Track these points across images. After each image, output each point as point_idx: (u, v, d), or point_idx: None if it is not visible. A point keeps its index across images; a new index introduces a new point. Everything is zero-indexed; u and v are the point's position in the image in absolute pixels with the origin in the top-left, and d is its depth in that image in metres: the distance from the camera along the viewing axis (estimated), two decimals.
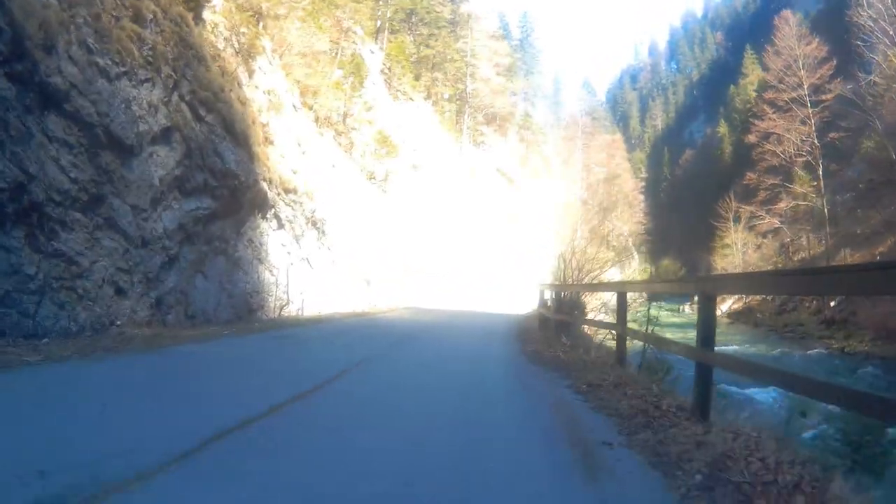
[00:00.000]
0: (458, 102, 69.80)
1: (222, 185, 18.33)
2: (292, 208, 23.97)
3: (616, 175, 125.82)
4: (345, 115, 32.01)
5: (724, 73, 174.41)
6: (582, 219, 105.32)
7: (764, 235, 60.94)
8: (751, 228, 63.17)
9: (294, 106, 28.31)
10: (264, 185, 21.56)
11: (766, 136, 57.15)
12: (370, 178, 32.87)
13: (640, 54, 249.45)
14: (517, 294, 52.00)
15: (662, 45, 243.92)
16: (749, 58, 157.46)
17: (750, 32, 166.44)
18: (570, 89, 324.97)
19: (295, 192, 24.05)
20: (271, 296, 21.94)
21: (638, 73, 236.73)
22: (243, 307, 19.99)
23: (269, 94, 24.77)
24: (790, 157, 54.36)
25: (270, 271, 22.06)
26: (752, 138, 59.96)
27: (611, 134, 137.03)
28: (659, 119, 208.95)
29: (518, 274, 64.22)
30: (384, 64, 44.45)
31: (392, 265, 32.57)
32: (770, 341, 40.90)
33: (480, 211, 56.86)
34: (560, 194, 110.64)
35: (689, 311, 59.36)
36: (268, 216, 22.38)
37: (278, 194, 22.87)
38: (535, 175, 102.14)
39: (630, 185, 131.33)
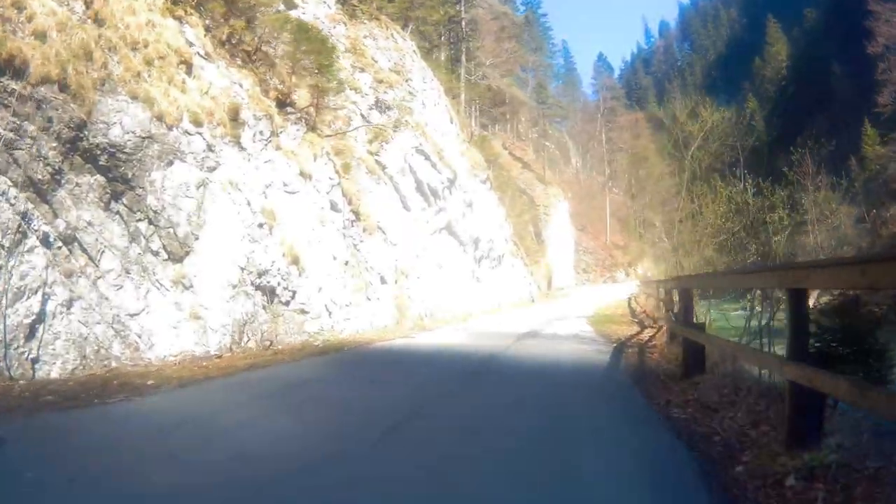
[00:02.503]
0: (450, 48, 53.75)
1: None
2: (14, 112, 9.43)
3: (644, 157, 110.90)
4: None
5: (742, 50, 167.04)
6: (609, 207, 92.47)
7: None
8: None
9: None
10: None
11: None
12: (282, 102, 18.14)
13: (651, 35, 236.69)
14: (544, 300, 38.59)
15: (673, 25, 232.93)
16: (773, 26, 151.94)
17: (766, 4, 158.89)
18: (585, 67, 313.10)
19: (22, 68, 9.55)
20: None
21: (650, 56, 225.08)
22: None
23: None
24: None
25: None
26: (878, 43, 45.75)
27: (634, 112, 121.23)
28: (678, 103, 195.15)
29: (543, 273, 51.02)
30: None
31: (342, 258, 18.16)
32: None
33: (488, 195, 42.37)
34: (584, 181, 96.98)
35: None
36: None
37: None
38: (552, 161, 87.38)
39: (660, 169, 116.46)
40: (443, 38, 51.06)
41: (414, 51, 31.39)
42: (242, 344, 13.09)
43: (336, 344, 14.67)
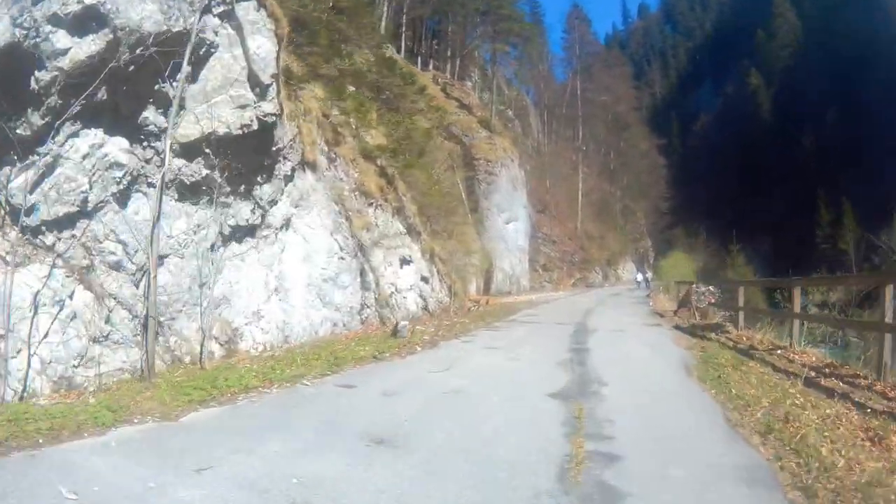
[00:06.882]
0: None
1: None
2: None
3: (625, 125, 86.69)
4: None
5: (734, 34, 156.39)
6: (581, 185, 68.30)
7: None
8: None
9: None
10: None
11: None
12: None
13: (629, 17, 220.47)
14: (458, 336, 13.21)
15: (654, 6, 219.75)
16: None
17: None
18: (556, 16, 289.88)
19: None
20: None
21: (626, 39, 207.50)
22: None
23: None
24: None
25: None
26: None
27: (617, 66, 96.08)
28: (657, 86, 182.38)
29: (474, 264, 31.67)
30: None
31: None
32: None
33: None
34: (548, 155, 72.65)
35: None
36: None
37: None
38: (506, 123, 62.64)
39: (645, 144, 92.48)
40: None
41: None
42: None
43: None
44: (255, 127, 10.26)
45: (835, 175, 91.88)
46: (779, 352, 11.04)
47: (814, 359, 10.27)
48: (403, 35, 52.60)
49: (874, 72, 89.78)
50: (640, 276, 58.68)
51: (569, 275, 56.81)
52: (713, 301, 20.71)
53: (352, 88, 20.12)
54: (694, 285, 23.14)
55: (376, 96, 22.60)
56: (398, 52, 45.19)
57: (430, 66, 57.25)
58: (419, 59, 55.43)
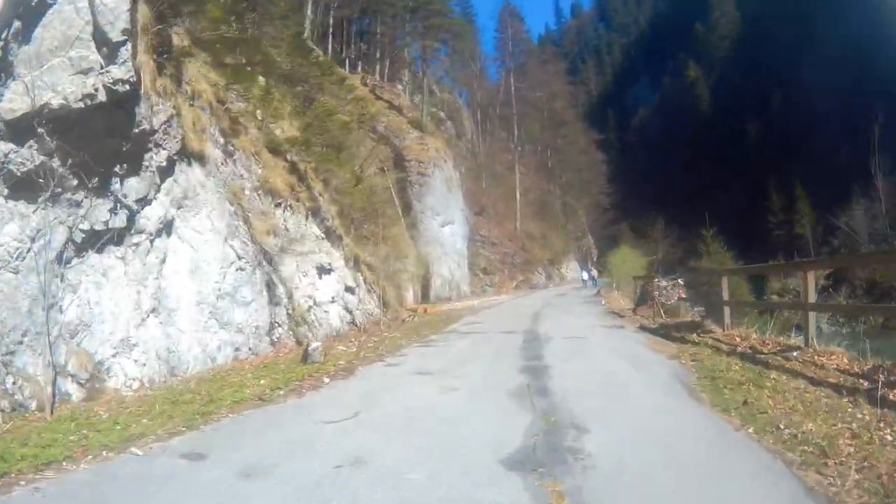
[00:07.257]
0: None
1: None
2: None
3: (562, 122, 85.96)
4: None
5: (670, 29, 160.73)
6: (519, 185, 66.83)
7: None
8: None
9: None
10: None
11: None
12: None
13: (562, 17, 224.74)
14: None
15: (587, 5, 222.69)
16: None
17: None
18: (487, 15, 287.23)
19: None
20: None
21: (560, 38, 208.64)
22: None
23: None
24: None
25: None
26: None
27: (552, 63, 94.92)
28: (593, 83, 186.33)
29: (410, 269, 30.52)
30: None
31: None
32: None
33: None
34: (483, 156, 71.13)
35: None
36: None
37: None
38: (440, 124, 61.32)
39: (583, 140, 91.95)
40: None
41: None
42: None
43: None
44: (103, 98, 7.88)
45: (784, 161, 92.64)
46: (795, 354, 8.90)
47: (845, 360, 8.15)
48: (331, 38, 51.01)
49: (815, 54, 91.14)
50: (585, 275, 56.82)
51: (511, 277, 55.21)
52: (684, 295, 18.85)
53: (259, 77, 17.93)
54: (656, 279, 21.28)
55: (290, 88, 20.46)
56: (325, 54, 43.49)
57: (359, 69, 55.55)
58: (347, 61, 53.76)
